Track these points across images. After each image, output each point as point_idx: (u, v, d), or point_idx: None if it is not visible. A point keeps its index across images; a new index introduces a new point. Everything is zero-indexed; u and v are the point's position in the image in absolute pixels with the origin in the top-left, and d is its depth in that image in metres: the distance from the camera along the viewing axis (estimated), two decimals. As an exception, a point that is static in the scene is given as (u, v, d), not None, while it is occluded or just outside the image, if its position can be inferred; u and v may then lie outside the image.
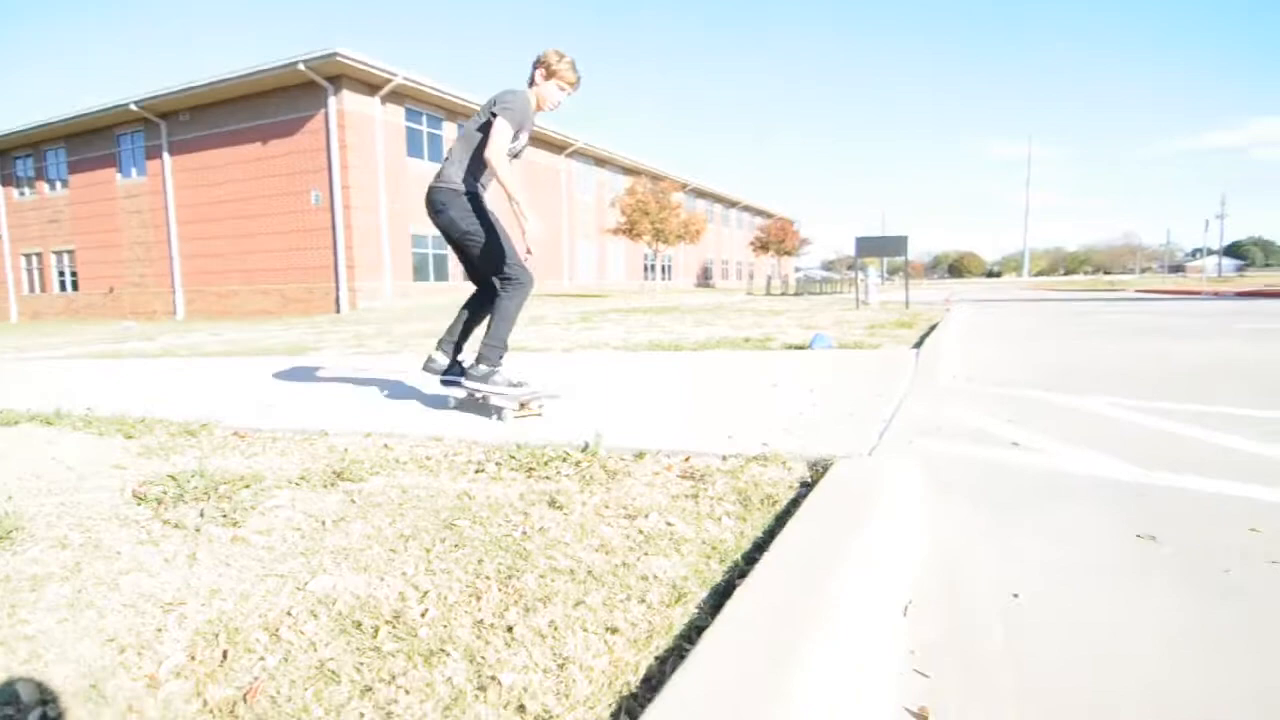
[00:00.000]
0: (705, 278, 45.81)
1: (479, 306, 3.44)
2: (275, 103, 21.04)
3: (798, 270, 58.15)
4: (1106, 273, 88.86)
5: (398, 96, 21.96)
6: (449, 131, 24.19)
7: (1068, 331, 8.70)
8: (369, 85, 20.81)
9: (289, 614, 1.20)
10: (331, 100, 20.09)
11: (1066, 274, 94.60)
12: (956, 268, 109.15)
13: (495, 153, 2.95)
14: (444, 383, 3.46)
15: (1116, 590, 1.49)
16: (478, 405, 3.40)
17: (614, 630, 1.06)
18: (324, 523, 1.67)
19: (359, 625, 1.14)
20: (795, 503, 1.64)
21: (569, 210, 31.01)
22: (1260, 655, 1.23)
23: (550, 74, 3.24)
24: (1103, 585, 1.52)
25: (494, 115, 3.02)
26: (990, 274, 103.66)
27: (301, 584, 1.32)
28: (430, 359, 3.46)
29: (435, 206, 3.19)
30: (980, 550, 1.71)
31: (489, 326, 3.25)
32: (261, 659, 1.06)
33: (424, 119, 23.42)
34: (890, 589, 1.45)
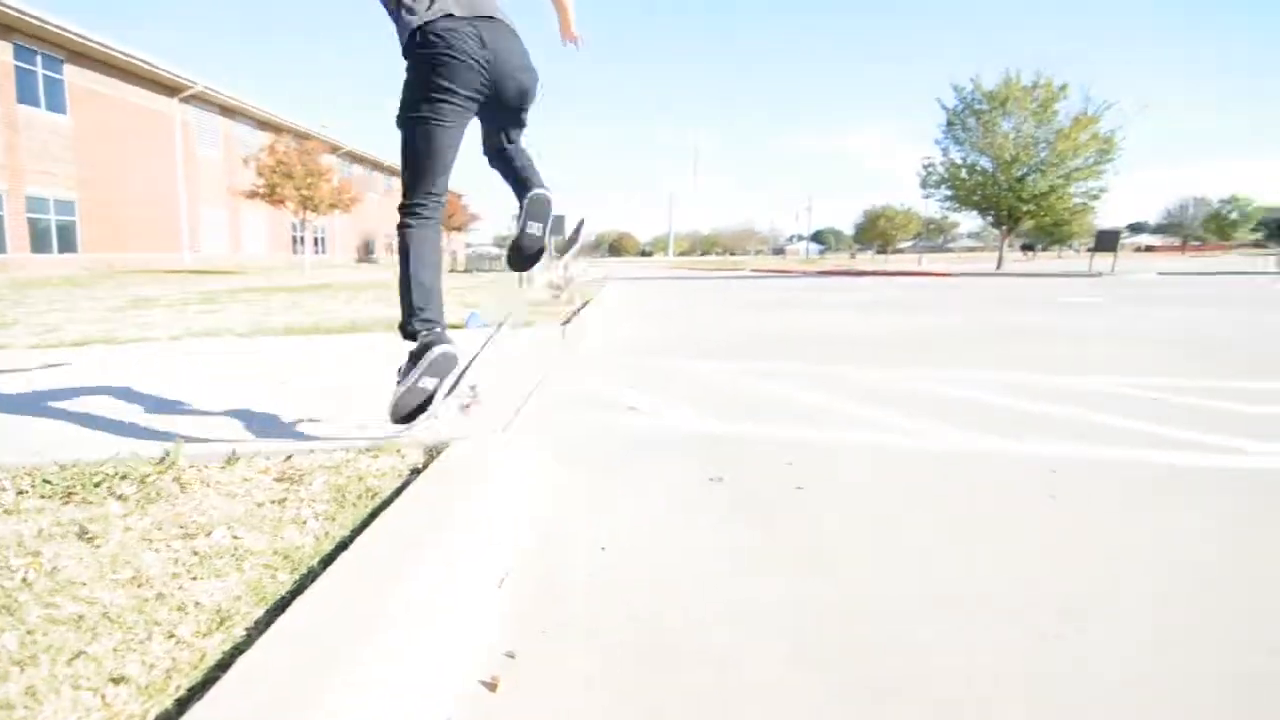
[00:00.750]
0: (368, 252, 42.70)
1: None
2: None
3: (469, 246, 57.51)
4: (732, 254, 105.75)
5: (4, 30, 17.47)
6: (71, 75, 20.08)
7: (696, 304, 10.05)
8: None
9: None
10: None
11: (703, 254, 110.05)
12: (616, 247, 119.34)
13: None
14: None
15: (687, 527, 1.73)
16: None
17: (121, 680, 0.87)
18: None
19: None
20: (399, 492, 1.56)
21: (187, 168, 26.03)
22: (784, 558, 1.52)
23: None
24: (674, 523, 1.74)
25: None
26: (643, 254, 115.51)
27: None
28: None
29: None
30: (581, 512, 1.84)
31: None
32: None
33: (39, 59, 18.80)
34: (488, 565, 1.46)
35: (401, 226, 2.00)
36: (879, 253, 76.60)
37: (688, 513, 1.82)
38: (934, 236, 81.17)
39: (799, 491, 1.96)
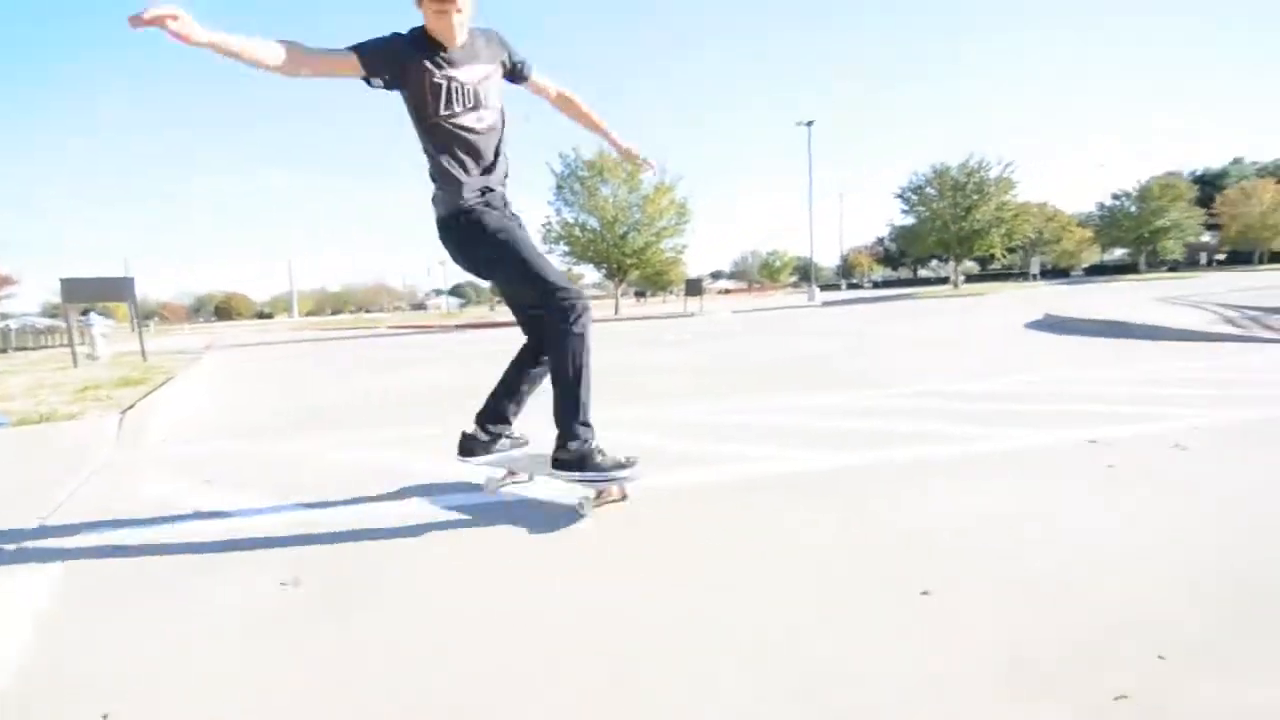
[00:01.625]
0: None
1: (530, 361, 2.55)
2: None
3: (5, 319, 44.19)
4: (367, 311, 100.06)
5: None
6: None
7: (311, 371, 9.16)
8: None
9: None
10: None
11: (333, 314, 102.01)
12: (224, 310, 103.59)
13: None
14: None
15: (235, 654, 1.47)
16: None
17: None
18: None
19: None
20: None
21: None
22: (365, 676, 1.38)
23: None
24: (221, 653, 1.48)
25: None
26: (261, 315, 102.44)
27: None
28: (465, 437, 2.53)
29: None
30: (79, 656, 1.45)
31: (554, 379, 2.28)
32: None
33: None
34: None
35: None
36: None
37: (242, 635, 1.57)
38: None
39: (389, 578, 1.84)
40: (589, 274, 31.10)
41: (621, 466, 2.20)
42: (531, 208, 29.28)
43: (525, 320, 2.49)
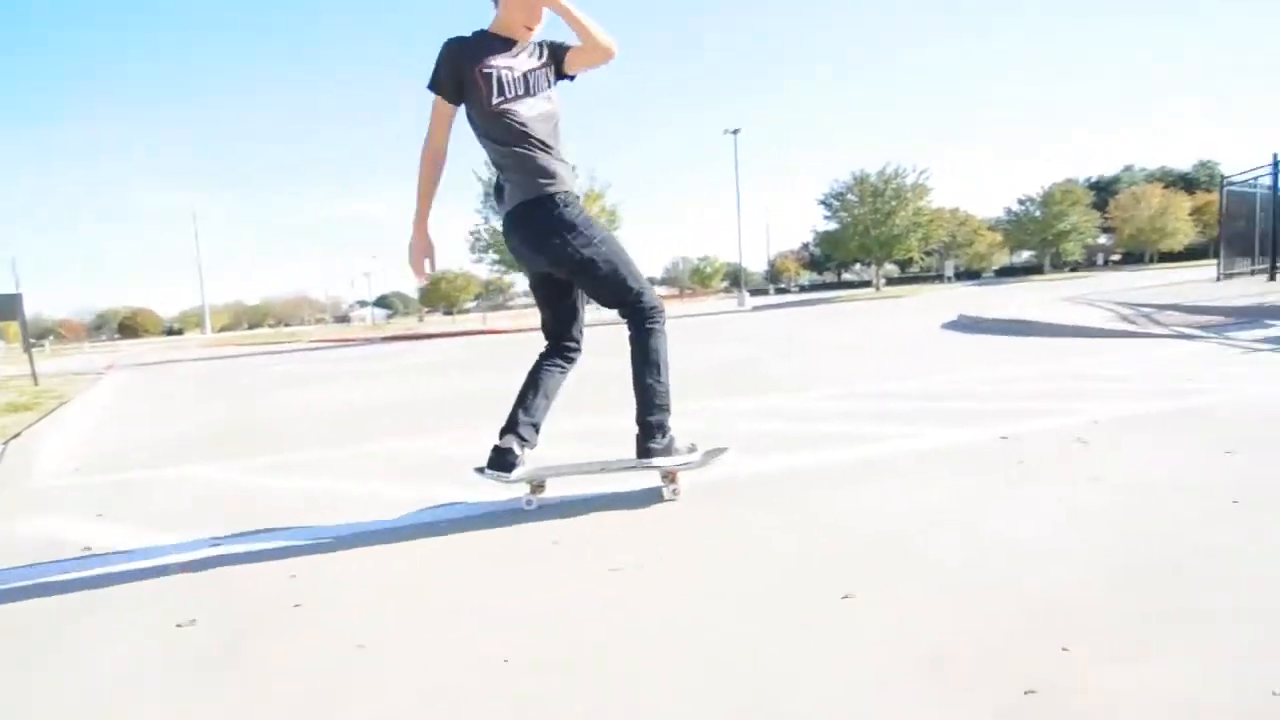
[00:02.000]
0: None
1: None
2: None
3: None
4: (287, 325, 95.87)
5: None
6: None
7: (221, 391, 8.68)
8: None
9: None
10: None
11: (251, 328, 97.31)
12: (129, 327, 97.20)
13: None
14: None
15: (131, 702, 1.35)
16: None
17: None
18: None
19: None
20: None
21: None
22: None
23: None
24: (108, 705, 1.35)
25: None
26: (171, 332, 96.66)
27: None
28: (501, 451, 2.34)
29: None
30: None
31: (641, 379, 2.37)
32: None
33: None
34: None
35: None
36: (445, 314, 78.66)
37: (132, 682, 1.44)
38: (494, 295, 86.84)
39: (296, 611, 1.73)
40: (519, 282, 30.83)
41: (693, 451, 2.40)
42: (459, 216, 28.71)
43: (556, 323, 2.49)
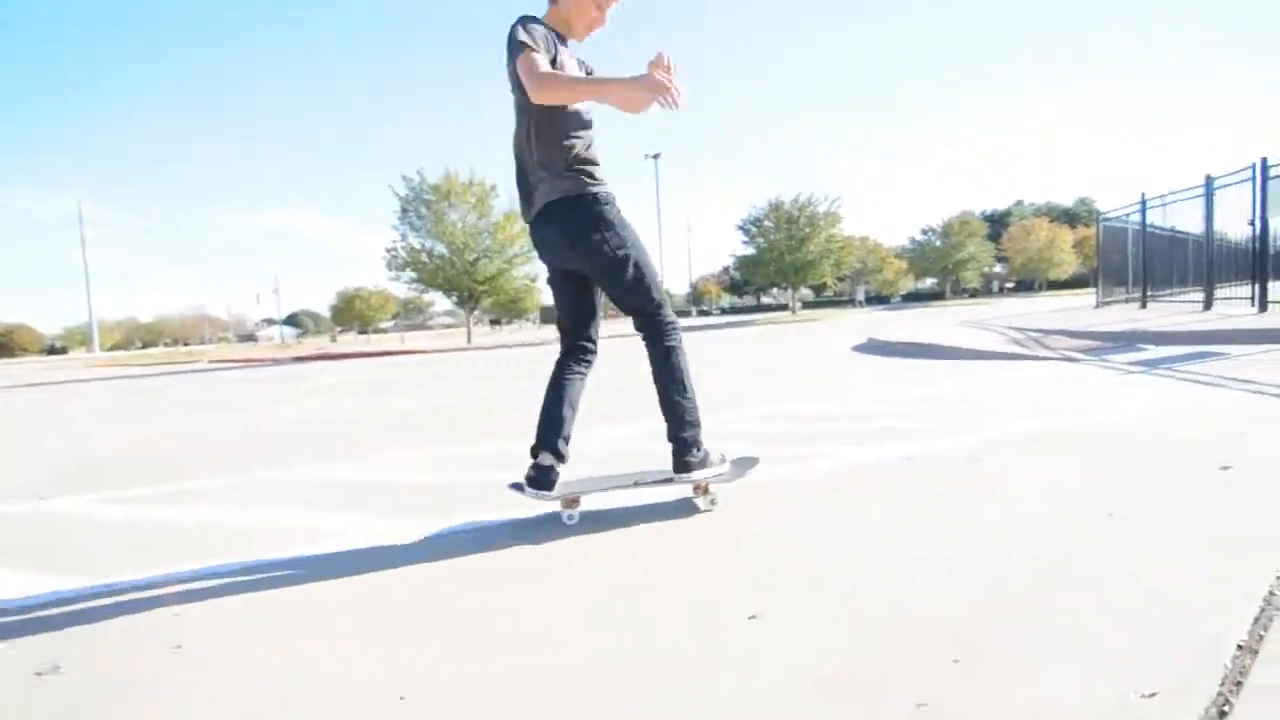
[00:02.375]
0: None
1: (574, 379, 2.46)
2: None
3: None
4: (185, 344, 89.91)
5: None
6: None
7: (100, 416, 8.04)
8: None
9: None
10: None
11: (145, 347, 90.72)
12: (4, 345, 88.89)
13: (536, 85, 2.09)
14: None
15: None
16: None
17: None
18: None
19: None
20: None
21: None
22: None
23: None
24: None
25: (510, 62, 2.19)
26: (54, 350, 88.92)
27: None
28: (542, 469, 2.33)
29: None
30: None
31: (669, 397, 2.41)
32: None
33: None
34: None
35: None
36: (360, 333, 75.90)
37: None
38: (413, 315, 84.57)
39: (177, 654, 1.60)
40: (440, 301, 30.10)
41: (723, 462, 2.45)
42: (373, 232, 27.80)
43: (574, 323, 2.46)
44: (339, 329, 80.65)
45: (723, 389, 6.31)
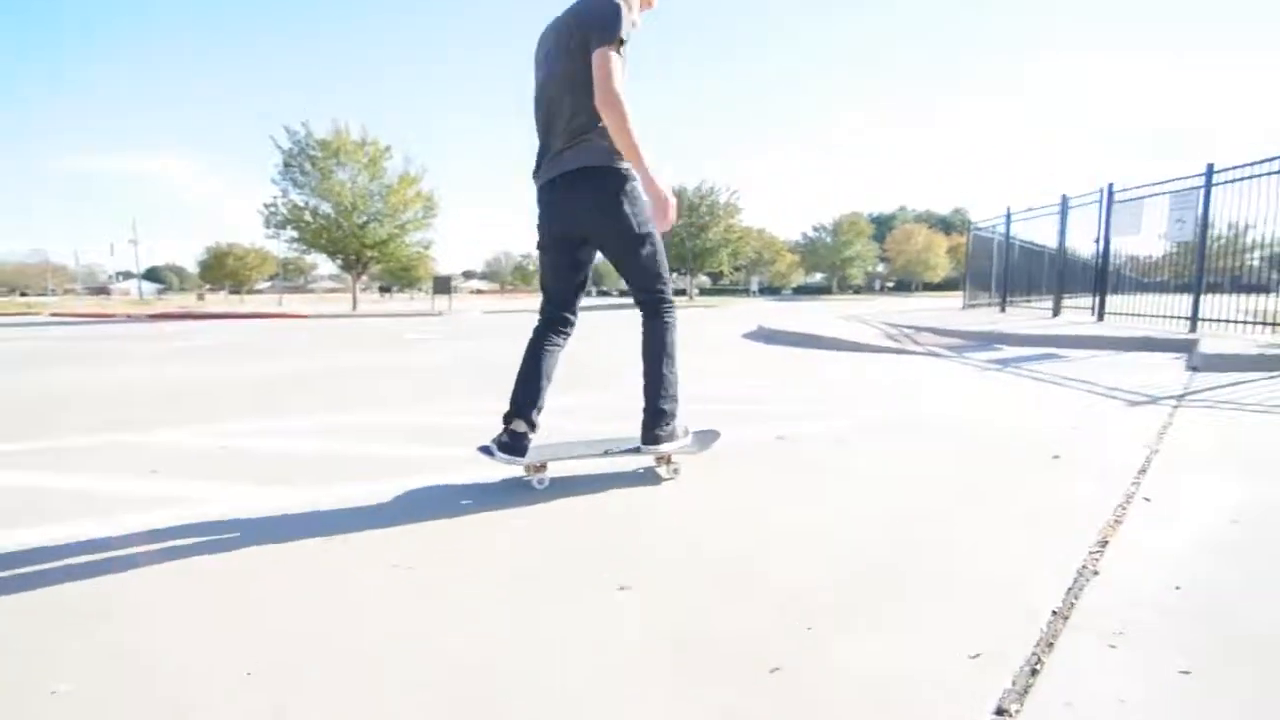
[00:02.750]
0: None
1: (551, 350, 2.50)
2: None
3: None
4: (23, 294, 79.92)
5: None
6: None
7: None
8: None
9: None
10: None
11: (-28, 294, 79.82)
12: None
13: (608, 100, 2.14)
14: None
15: None
16: None
17: None
18: None
19: None
20: None
21: None
22: None
23: None
24: None
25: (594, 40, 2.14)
26: None
27: None
28: (516, 435, 2.36)
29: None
30: None
31: (656, 369, 2.49)
32: None
33: None
34: None
35: None
36: (233, 293, 70.50)
37: None
38: (294, 277, 79.41)
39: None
40: (324, 264, 28.33)
41: (686, 435, 2.56)
42: (253, 185, 25.74)
43: (562, 295, 2.49)
44: (208, 286, 74.35)
45: (613, 366, 6.34)
